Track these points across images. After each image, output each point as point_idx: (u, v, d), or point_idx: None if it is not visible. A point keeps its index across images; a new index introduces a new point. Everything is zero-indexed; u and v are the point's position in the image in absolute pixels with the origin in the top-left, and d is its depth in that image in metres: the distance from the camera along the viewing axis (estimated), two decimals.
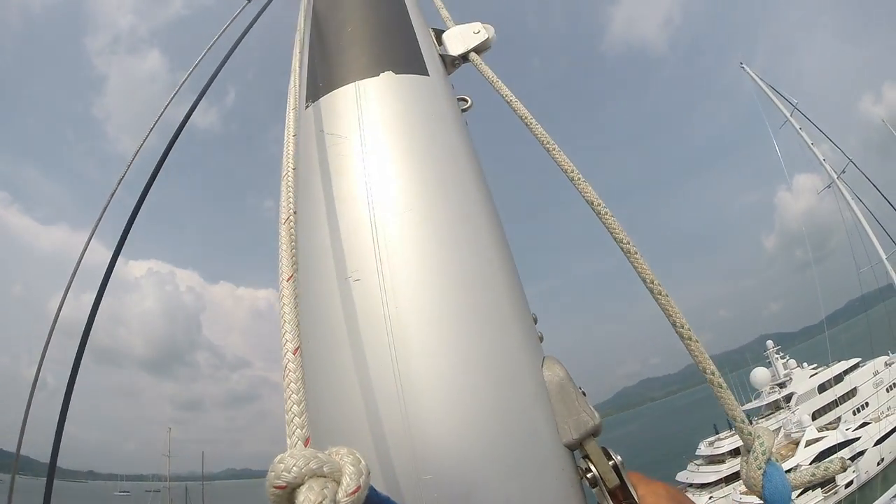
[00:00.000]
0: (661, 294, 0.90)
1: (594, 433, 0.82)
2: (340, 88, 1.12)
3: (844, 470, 0.90)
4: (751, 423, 0.84)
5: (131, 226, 1.93)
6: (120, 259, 2.00)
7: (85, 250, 2.23)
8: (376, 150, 1.01)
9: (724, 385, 0.86)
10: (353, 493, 0.49)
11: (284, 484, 0.49)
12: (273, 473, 0.50)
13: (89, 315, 1.87)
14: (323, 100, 1.13)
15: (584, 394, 0.85)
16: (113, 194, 2.23)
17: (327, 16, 1.35)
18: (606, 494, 0.80)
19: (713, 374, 0.86)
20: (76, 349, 1.88)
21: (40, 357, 1.96)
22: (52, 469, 1.79)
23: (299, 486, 0.49)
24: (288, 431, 0.56)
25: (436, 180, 0.99)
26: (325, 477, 0.50)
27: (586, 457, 0.82)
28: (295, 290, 0.70)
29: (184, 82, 2.35)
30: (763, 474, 0.81)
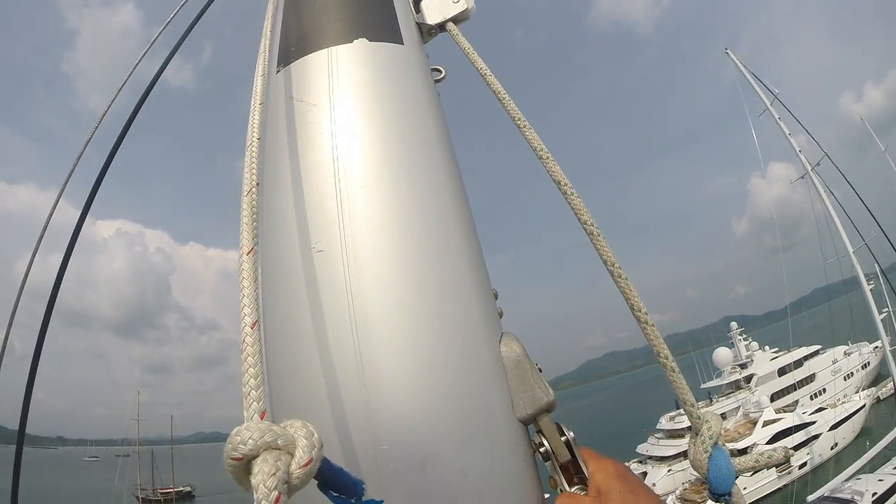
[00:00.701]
0: (620, 277, 0.91)
1: (548, 409, 0.85)
2: (313, 54, 1.09)
3: (787, 459, 0.94)
4: (701, 407, 0.87)
5: (99, 185, 1.87)
6: (88, 219, 1.95)
7: (53, 211, 2.16)
8: (346, 118, 0.99)
9: (677, 369, 0.88)
10: (306, 464, 0.52)
11: (241, 456, 0.50)
12: (230, 446, 0.51)
13: (56, 277, 1.82)
14: (294, 65, 1.11)
15: (540, 370, 0.87)
16: (82, 153, 2.16)
17: None
18: (558, 468, 0.83)
19: (666, 357, 0.89)
20: (43, 312, 1.84)
21: (8, 322, 1.91)
22: (20, 437, 1.76)
23: (255, 457, 0.50)
24: (245, 405, 0.57)
25: (403, 152, 0.98)
26: (279, 449, 0.52)
27: (540, 431, 0.84)
28: (255, 264, 0.70)
29: (157, 37, 2.26)
30: (709, 457, 0.83)
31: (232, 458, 0.51)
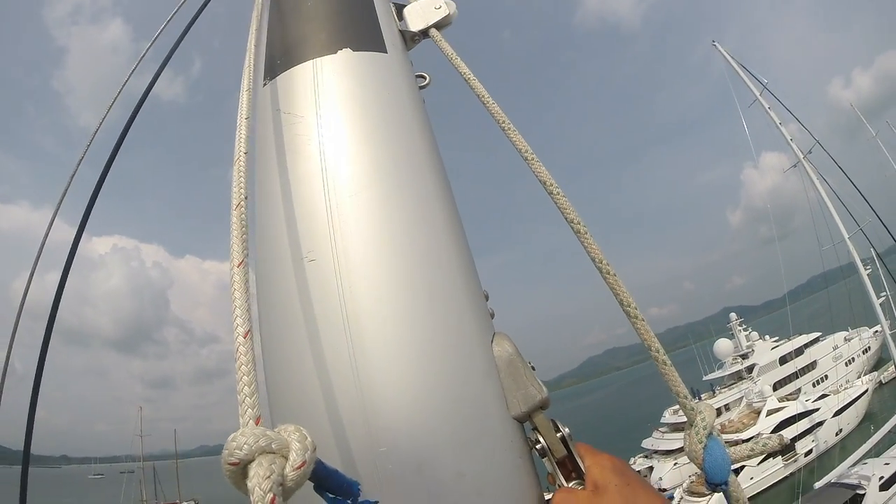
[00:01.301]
0: (609, 273, 0.92)
1: (542, 406, 0.86)
2: (298, 66, 1.10)
3: (782, 446, 0.95)
4: (705, 399, 0.88)
5: (94, 201, 1.88)
6: (84, 235, 1.96)
7: (49, 229, 2.17)
8: (332, 129, 1.00)
9: (669, 362, 0.89)
10: (300, 467, 0.53)
11: (237, 461, 0.52)
12: (227, 451, 0.53)
13: (55, 295, 1.83)
14: (280, 77, 1.12)
15: (532, 368, 0.89)
16: (76, 170, 2.16)
17: None
18: (555, 464, 0.84)
19: (658, 351, 0.90)
20: (42, 331, 1.84)
21: (9, 343, 1.91)
22: (26, 457, 1.76)
23: (250, 462, 0.52)
24: (240, 411, 0.59)
25: (390, 160, 0.99)
26: (273, 453, 0.53)
27: (535, 429, 0.86)
28: (246, 276, 0.71)
29: (146, 51, 2.27)
30: (704, 448, 0.84)
31: (229, 464, 0.52)
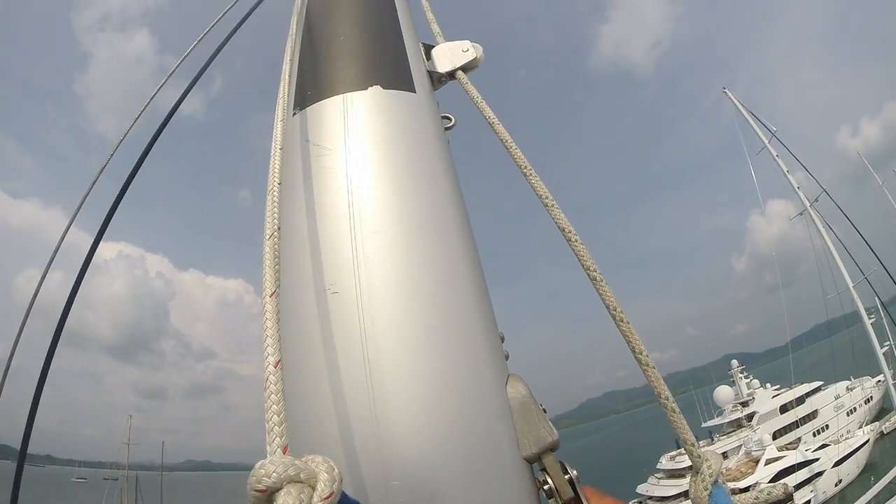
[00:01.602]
0: (622, 321, 0.94)
1: (552, 448, 0.87)
2: (328, 99, 1.13)
3: (788, 496, 0.95)
4: (702, 446, 0.90)
5: (114, 212, 1.92)
6: (89, 239, 1.99)
7: (65, 233, 2.20)
8: (360, 164, 1.02)
9: (677, 410, 0.91)
10: (327, 497, 0.54)
11: (265, 488, 0.53)
12: (254, 478, 0.54)
13: (66, 301, 1.85)
14: (310, 109, 1.14)
15: (544, 411, 0.90)
16: (96, 179, 2.21)
17: (320, 20, 1.35)
18: None
19: (667, 398, 0.91)
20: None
21: (14, 340, 1.93)
22: (22, 455, 1.76)
23: (278, 490, 0.53)
24: (268, 440, 0.60)
25: (416, 199, 1.01)
26: (301, 482, 0.54)
27: (544, 469, 0.86)
28: (277, 306, 0.73)
29: (173, 71, 2.34)
30: (709, 495, 0.85)
31: (256, 490, 0.53)
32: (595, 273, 0.98)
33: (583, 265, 1.00)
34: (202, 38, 2.27)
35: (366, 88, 1.13)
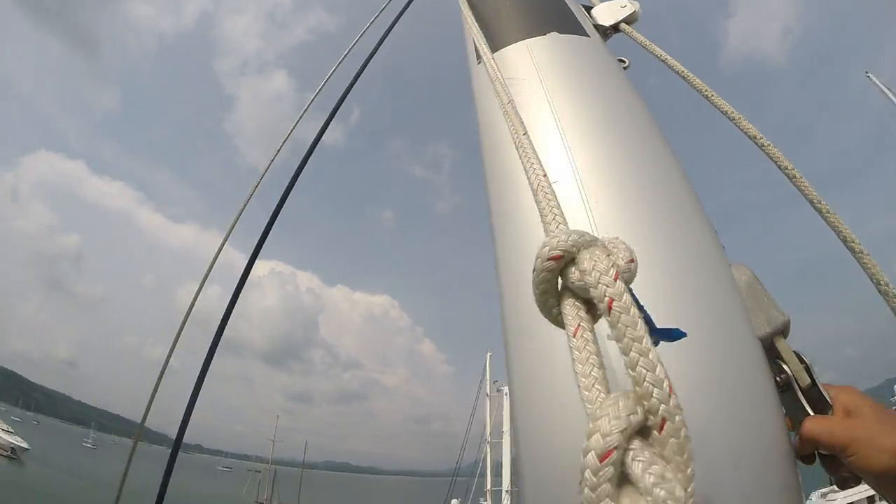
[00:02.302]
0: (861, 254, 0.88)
1: (783, 330, 0.81)
2: (511, 46, 1.15)
3: None
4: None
5: (267, 234, 2.13)
6: (243, 258, 2.22)
7: (218, 253, 2.49)
8: (560, 97, 1.01)
9: None
10: (630, 262, 0.46)
11: (560, 253, 0.46)
12: (547, 248, 0.47)
13: (225, 311, 2.08)
14: (497, 54, 1.15)
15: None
16: (246, 203, 2.49)
17: None
18: (801, 394, 0.78)
19: None
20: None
21: (173, 343, 2.20)
22: (176, 445, 2.00)
23: (575, 255, 0.47)
24: (547, 219, 0.55)
25: (632, 142, 0.98)
26: (597, 248, 0.47)
27: (778, 357, 0.80)
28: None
29: (310, 103, 2.58)
30: None
31: (549, 259, 0.47)
32: (820, 204, 0.92)
33: (807, 198, 0.95)
34: (331, 75, 2.47)
35: (545, 34, 1.14)
